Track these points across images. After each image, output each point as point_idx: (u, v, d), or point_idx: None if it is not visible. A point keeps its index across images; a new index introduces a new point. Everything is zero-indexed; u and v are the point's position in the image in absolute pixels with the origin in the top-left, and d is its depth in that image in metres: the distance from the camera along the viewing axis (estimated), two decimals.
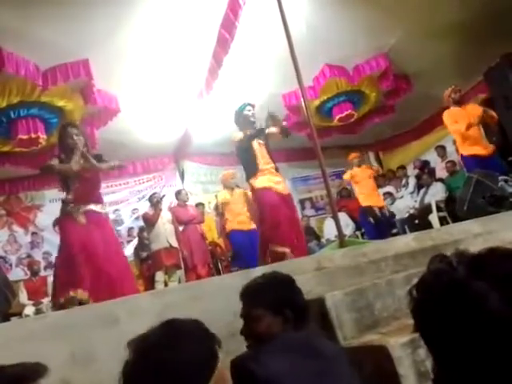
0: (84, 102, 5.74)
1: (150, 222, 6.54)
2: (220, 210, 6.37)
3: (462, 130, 5.25)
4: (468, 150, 5.36)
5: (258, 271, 2.34)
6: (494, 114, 5.43)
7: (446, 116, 5.48)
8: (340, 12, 5.20)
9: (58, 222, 3.69)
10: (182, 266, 6.54)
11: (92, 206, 3.59)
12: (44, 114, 5.61)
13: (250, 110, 4.42)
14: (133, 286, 3.70)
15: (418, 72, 6.85)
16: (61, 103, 5.62)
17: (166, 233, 6.41)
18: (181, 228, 6.76)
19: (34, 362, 0.96)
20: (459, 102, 5.47)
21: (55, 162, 3.62)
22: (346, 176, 7.35)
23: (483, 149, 5.34)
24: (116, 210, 8.24)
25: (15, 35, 4.48)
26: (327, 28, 5.40)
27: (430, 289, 0.71)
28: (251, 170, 4.28)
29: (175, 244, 6.42)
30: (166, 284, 6.30)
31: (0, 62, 4.59)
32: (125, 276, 3.50)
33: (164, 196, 6.89)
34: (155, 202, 6.60)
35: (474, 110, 5.40)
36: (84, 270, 3.26)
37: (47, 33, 4.56)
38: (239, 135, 4.35)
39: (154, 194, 6.99)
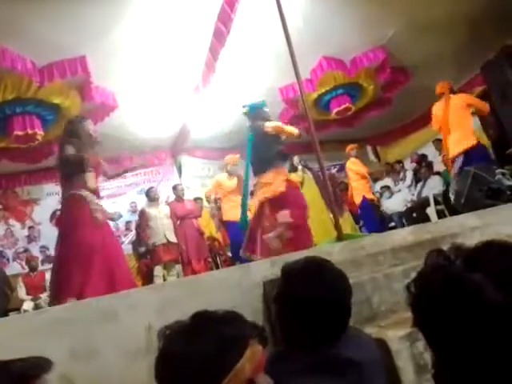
0: (81, 98, 5.71)
1: (146, 217, 6.53)
2: (212, 197, 6.39)
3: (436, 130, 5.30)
4: (452, 151, 5.13)
5: (257, 266, 2.35)
6: (483, 105, 5.24)
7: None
8: (337, 4, 5.18)
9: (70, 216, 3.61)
10: (180, 260, 6.55)
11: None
12: (40, 111, 5.57)
13: (268, 109, 4.48)
14: (130, 280, 3.69)
15: (415, 64, 6.84)
16: (58, 100, 5.58)
17: (163, 228, 6.40)
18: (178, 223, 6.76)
19: (38, 357, 0.94)
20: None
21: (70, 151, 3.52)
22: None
23: (465, 141, 5.00)
24: (113, 203, 8.23)
25: (11, 31, 4.44)
26: (324, 20, 5.37)
27: (428, 283, 0.71)
28: (267, 165, 4.28)
29: (173, 239, 6.42)
30: (164, 278, 6.31)
31: None
32: (123, 272, 3.50)
33: (159, 192, 6.88)
34: (153, 196, 6.60)
35: (458, 99, 5.20)
36: (97, 271, 3.24)
37: (43, 28, 4.52)
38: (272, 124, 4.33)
39: (151, 188, 6.97)
